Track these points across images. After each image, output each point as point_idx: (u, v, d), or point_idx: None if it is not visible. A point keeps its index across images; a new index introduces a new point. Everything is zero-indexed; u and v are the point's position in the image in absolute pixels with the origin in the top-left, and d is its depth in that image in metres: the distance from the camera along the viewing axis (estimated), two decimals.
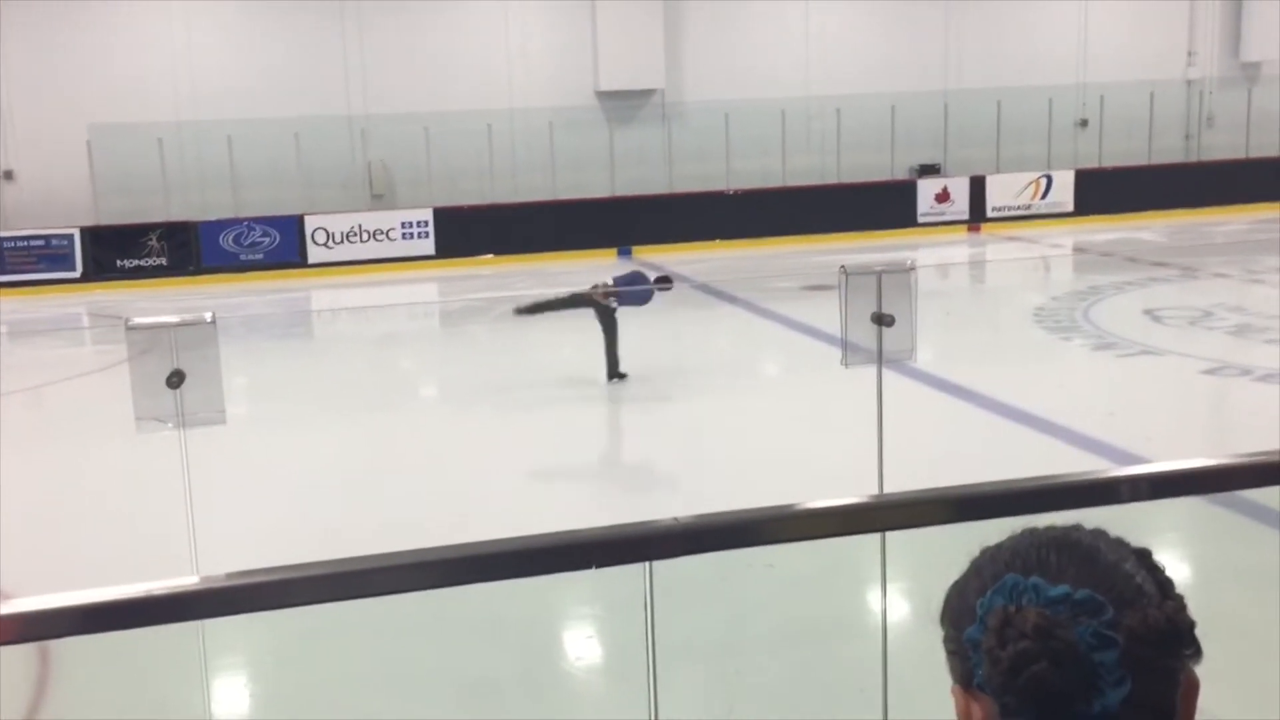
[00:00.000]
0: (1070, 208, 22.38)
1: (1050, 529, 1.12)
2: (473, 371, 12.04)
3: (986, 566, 1.10)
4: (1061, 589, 1.03)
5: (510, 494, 7.81)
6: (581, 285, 11.03)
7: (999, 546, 1.12)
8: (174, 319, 3.51)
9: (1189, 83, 24.12)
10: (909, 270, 3.98)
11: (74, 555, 6.82)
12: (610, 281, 10.77)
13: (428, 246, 19.89)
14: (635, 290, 10.77)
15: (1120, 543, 1.11)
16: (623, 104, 21.55)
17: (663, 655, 2.27)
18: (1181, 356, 11.12)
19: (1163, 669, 1.02)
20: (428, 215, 19.97)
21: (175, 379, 3.45)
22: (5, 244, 18.57)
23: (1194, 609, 1.05)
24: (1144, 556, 1.10)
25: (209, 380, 3.49)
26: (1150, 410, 9.42)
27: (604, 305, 10.48)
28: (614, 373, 10.55)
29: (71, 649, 5.21)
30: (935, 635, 1.14)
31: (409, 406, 11.12)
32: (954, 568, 1.16)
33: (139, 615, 1.74)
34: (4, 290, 18.16)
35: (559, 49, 21.21)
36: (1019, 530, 1.14)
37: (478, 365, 12.38)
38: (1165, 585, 1.07)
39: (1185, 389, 10.09)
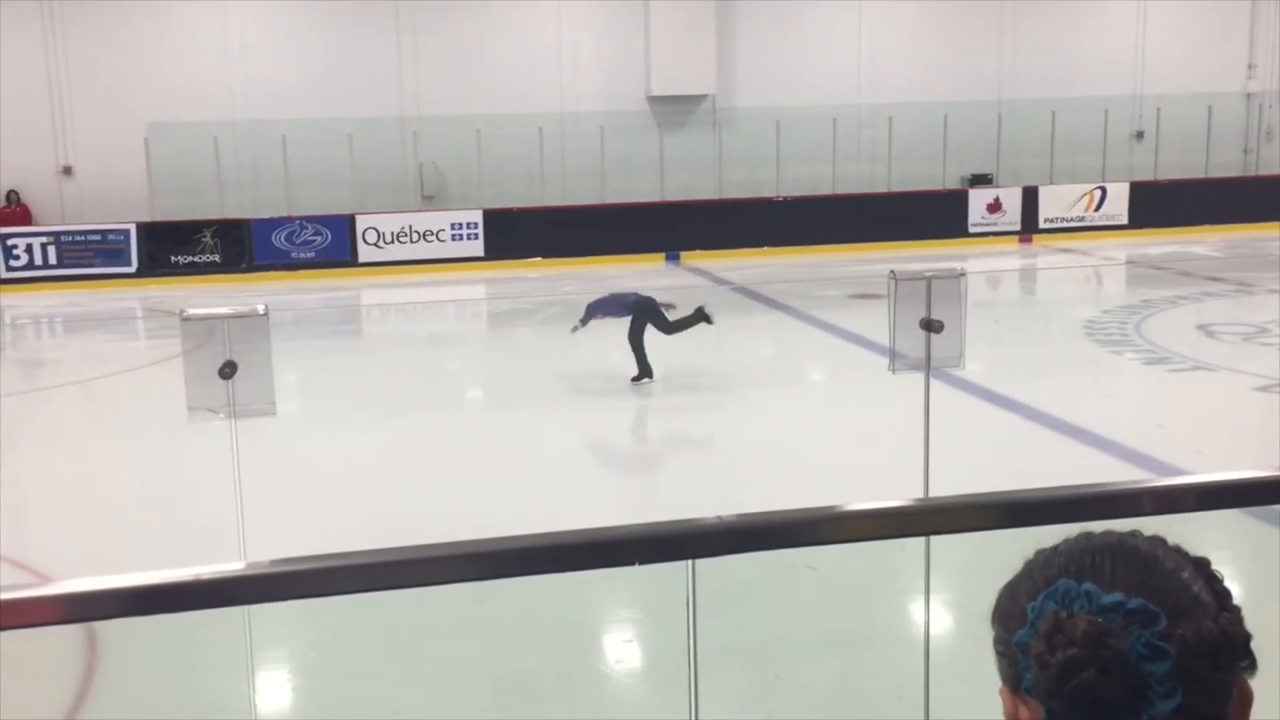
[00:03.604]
0: (1124, 220, 22.11)
1: (1107, 534, 1.10)
2: (518, 373, 12.09)
3: (1039, 569, 1.09)
4: (1115, 597, 1.01)
5: (553, 494, 7.82)
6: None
7: (1054, 549, 1.10)
8: (227, 311, 3.55)
9: (1248, 95, 23.77)
10: (959, 277, 3.95)
11: (122, 543, 6.91)
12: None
13: (477, 248, 19.99)
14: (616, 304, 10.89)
15: (1178, 551, 1.09)
16: (673, 109, 21.56)
17: (702, 658, 2.26)
18: (1235, 373, 10.94)
19: (1215, 681, 1.00)
20: (477, 217, 20.07)
21: (227, 370, 3.48)
22: (63, 238, 18.88)
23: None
24: (1202, 566, 1.08)
25: (260, 372, 3.53)
26: (1202, 425, 9.28)
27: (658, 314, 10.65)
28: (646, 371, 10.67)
29: (120, 640, 5.28)
30: (976, 645, 1.12)
31: (455, 406, 11.18)
32: (997, 577, 1.14)
33: (185, 599, 1.76)
34: (61, 284, 18.48)
35: (611, 53, 21.25)
36: (1075, 533, 1.12)
37: (523, 367, 12.42)
38: (1223, 596, 1.05)
39: (1238, 405, 9.93)
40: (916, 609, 5.18)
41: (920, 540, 3.22)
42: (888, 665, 4.98)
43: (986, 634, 1.12)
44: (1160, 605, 1.00)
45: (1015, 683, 1.06)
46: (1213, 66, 23.30)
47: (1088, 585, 1.02)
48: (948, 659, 4.03)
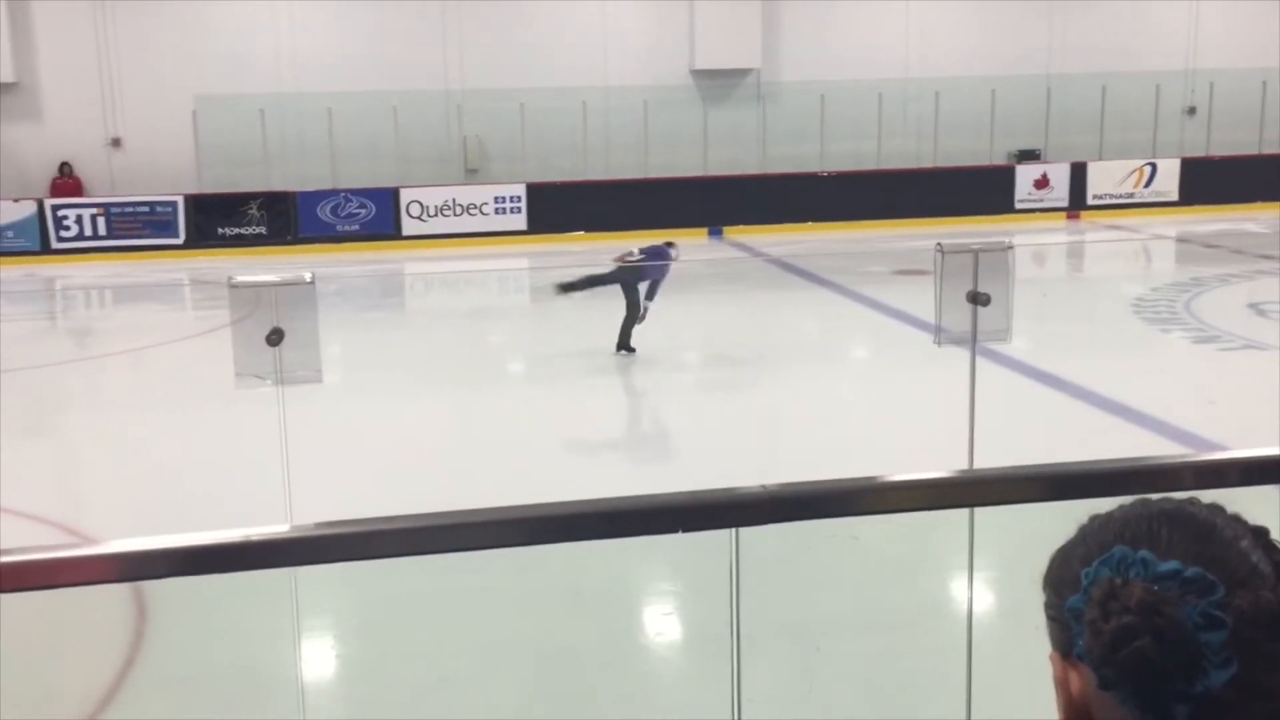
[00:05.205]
0: (1175, 197, 21.79)
1: (1165, 500, 1.08)
2: (559, 346, 12.11)
3: (1094, 535, 1.07)
4: (1171, 565, 0.99)
5: (595, 467, 7.85)
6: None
7: (1109, 515, 1.09)
8: (274, 278, 3.58)
9: None
10: (1007, 250, 3.91)
11: (170, 508, 7.00)
12: (636, 251, 10.98)
13: (520, 222, 20.03)
14: (656, 265, 10.90)
15: (1237, 519, 1.07)
16: (718, 83, 21.44)
17: (743, 629, 2.26)
18: None
19: (1272, 652, 0.98)
20: (520, 191, 20.10)
21: (275, 337, 3.51)
22: (112, 209, 19.10)
23: None
24: (1261, 535, 1.06)
25: (307, 339, 3.56)
26: (1252, 404, 9.14)
27: (630, 280, 10.65)
28: (624, 345, 10.69)
29: (168, 605, 5.36)
30: (1018, 623, 1.11)
31: (497, 379, 11.22)
32: (1041, 553, 1.13)
33: (234, 560, 1.78)
34: (110, 254, 18.71)
35: (655, 27, 21.16)
36: (1131, 500, 1.10)
37: (565, 340, 12.44)
38: None
39: None
40: (958, 587, 5.16)
41: (964, 515, 3.21)
42: (930, 640, 4.96)
43: (1030, 611, 1.11)
44: (1217, 574, 0.98)
45: (1066, 648, 1.04)
46: (1266, 41, 22.82)
47: (1144, 552, 1.01)
48: (990, 635, 4.01)
